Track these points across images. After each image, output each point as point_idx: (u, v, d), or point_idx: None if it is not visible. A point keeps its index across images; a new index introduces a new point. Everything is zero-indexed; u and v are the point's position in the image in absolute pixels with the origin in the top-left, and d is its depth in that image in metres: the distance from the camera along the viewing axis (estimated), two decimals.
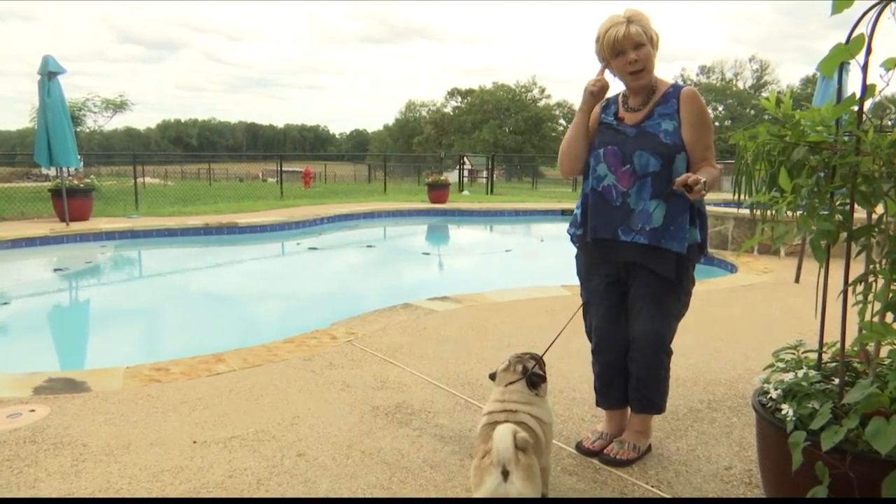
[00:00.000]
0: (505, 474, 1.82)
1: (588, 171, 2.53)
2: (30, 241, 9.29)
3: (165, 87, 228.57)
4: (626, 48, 2.36)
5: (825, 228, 1.82)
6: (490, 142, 58.10)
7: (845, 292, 1.87)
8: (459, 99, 72.41)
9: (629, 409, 2.67)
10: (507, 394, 2.22)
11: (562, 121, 68.57)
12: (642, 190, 2.41)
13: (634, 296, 2.52)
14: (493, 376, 2.32)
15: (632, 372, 2.58)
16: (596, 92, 2.49)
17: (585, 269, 2.65)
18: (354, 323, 4.65)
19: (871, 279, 1.86)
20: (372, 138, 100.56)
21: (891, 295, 1.79)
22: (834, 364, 2.08)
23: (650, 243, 2.41)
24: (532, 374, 2.26)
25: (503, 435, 1.83)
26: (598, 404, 2.76)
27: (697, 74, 64.00)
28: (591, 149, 2.52)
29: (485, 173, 26.32)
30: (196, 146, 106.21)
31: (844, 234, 1.85)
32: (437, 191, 15.51)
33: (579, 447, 2.67)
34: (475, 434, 2.81)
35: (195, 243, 10.44)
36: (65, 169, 10.60)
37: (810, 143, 1.93)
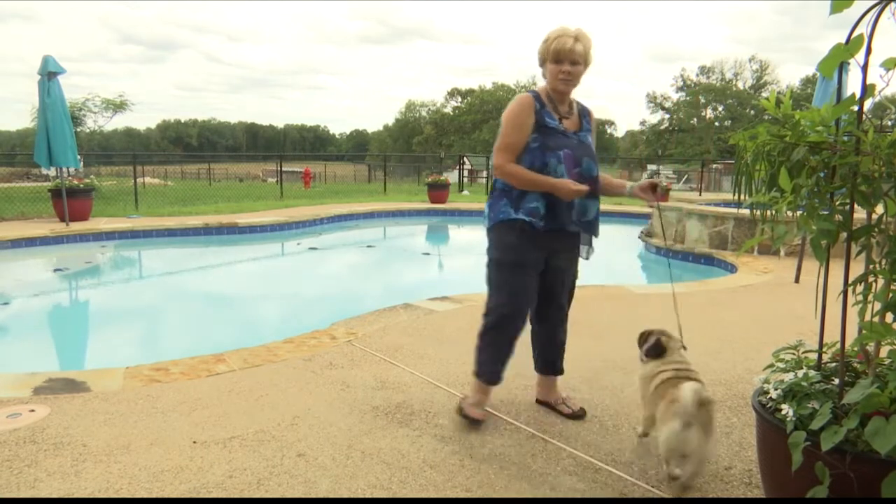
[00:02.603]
0: (687, 425, 2.19)
1: (547, 170, 2.76)
2: (30, 242, 9.29)
3: (165, 88, 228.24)
4: (564, 60, 2.75)
5: (825, 228, 1.82)
6: (490, 142, 58.04)
7: (845, 292, 1.87)
8: (459, 99, 72.46)
9: (543, 376, 3.15)
10: (684, 360, 2.62)
11: None
12: None
13: (563, 275, 2.99)
14: (657, 347, 2.66)
15: (557, 340, 3.10)
16: (570, 198, 2.75)
17: (523, 255, 2.85)
18: (354, 323, 4.65)
19: (871, 279, 1.86)
20: (372, 138, 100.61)
21: (891, 295, 1.79)
22: (834, 364, 2.08)
23: (581, 232, 2.94)
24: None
25: (691, 389, 2.20)
26: (498, 379, 2.99)
27: (697, 74, 64.02)
28: (547, 148, 2.77)
29: (485, 173, 26.31)
30: (196, 146, 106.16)
31: (844, 234, 1.85)
32: (437, 191, 15.52)
33: (472, 419, 2.92)
34: (475, 434, 2.82)
35: (195, 243, 10.44)
36: (64, 169, 10.60)
37: (810, 144, 1.93)
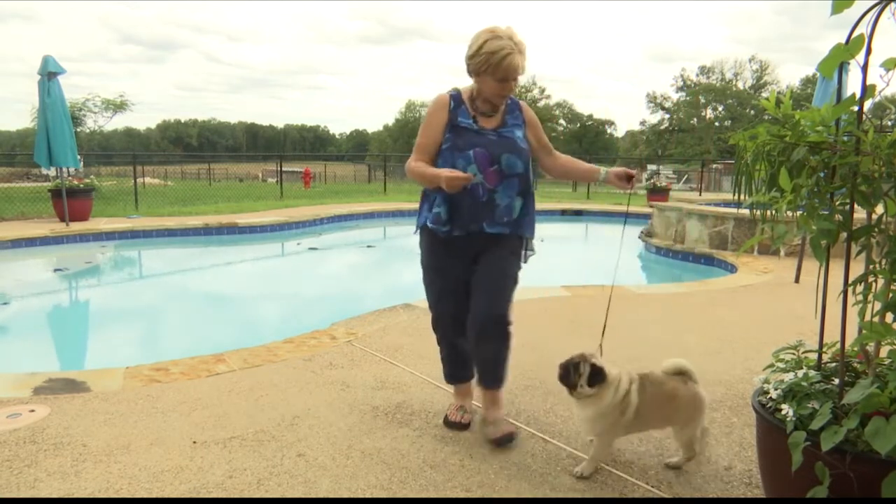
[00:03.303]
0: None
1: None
2: (30, 242, 9.29)
3: (165, 88, 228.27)
4: (510, 78, 2.58)
5: (825, 228, 1.82)
6: None
7: (845, 292, 1.87)
8: None
9: (476, 385, 2.92)
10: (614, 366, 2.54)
11: (562, 121, 68.64)
12: (509, 188, 2.69)
13: (489, 272, 2.75)
14: (599, 372, 2.43)
15: (488, 350, 2.77)
16: (453, 187, 2.50)
17: (443, 258, 2.79)
18: (354, 323, 4.65)
19: (871, 279, 1.86)
20: (372, 138, 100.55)
21: (891, 295, 1.79)
22: (834, 364, 2.08)
23: (511, 232, 2.76)
24: None
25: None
26: (455, 379, 3.00)
27: (697, 75, 63.99)
28: (456, 148, 2.65)
29: None
30: (196, 146, 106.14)
31: (844, 234, 1.85)
32: None
33: (455, 424, 2.88)
34: (476, 433, 2.82)
35: (195, 243, 10.44)
36: (64, 169, 10.60)
37: (810, 144, 1.93)
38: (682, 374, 2.50)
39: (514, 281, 2.82)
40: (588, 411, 2.45)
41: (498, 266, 2.76)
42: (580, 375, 2.43)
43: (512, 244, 2.80)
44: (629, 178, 2.74)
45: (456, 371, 2.98)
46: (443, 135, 2.69)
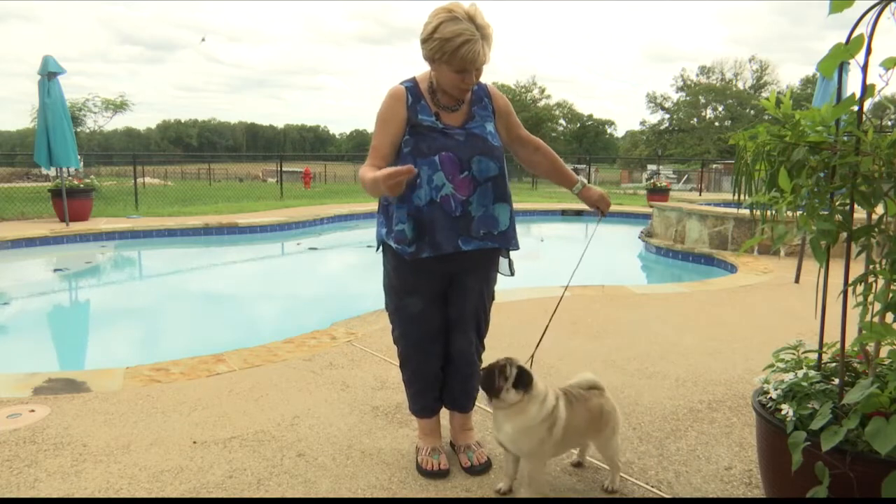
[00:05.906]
0: None
1: (419, 181, 2.25)
2: (30, 242, 9.29)
3: (165, 88, 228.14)
4: (470, 70, 2.18)
5: (825, 228, 1.82)
6: None
7: (845, 292, 1.87)
8: None
9: (450, 412, 2.62)
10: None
11: (562, 121, 68.69)
12: (484, 196, 2.34)
13: (468, 296, 2.45)
14: (525, 375, 2.18)
15: (462, 373, 2.53)
16: (396, 188, 2.03)
17: (414, 282, 2.40)
18: (354, 323, 4.65)
19: (871, 279, 1.86)
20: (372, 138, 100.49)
21: (891, 295, 1.79)
22: (834, 364, 2.08)
23: (500, 247, 2.45)
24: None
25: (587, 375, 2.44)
26: (431, 411, 2.59)
27: (697, 75, 64.01)
28: (419, 154, 2.26)
29: None
30: (196, 146, 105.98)
31: (844, 234, 1.85)
32: None
33: (433, 473, 2.46)
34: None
35: (195, 243, 10.44)
36: (65, 169, 10.60)
37: (810, 144, 1.93)
38: (594, 388, 2.38)
39: (493, 299, 2.58)
40: (511, 425, 2.18)
41: (478, 297, 2.47)
42: (506, 378, 2.15)
43: (493, 259, 2.49)
44: (604, 205, 2.58)
45: (433, 401, 2.58)
46: (402, 134, 2.28)
